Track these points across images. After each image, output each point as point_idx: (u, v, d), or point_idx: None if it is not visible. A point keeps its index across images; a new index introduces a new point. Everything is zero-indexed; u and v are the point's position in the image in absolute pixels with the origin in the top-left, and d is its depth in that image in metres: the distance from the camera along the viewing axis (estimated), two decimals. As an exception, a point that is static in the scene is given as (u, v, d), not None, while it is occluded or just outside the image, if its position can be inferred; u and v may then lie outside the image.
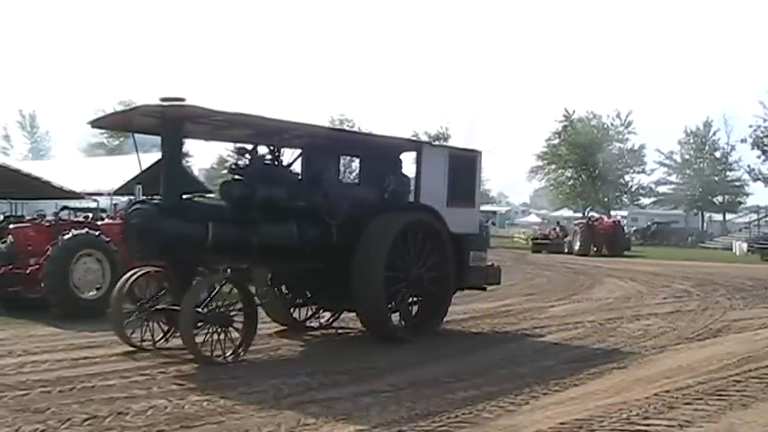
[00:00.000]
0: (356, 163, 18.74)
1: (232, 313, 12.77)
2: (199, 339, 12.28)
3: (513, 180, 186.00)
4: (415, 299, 15.60)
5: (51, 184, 26.64)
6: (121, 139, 70.34)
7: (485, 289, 17.89)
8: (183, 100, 12.25)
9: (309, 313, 16.60)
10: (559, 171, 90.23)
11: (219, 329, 12.46)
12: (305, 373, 11.81)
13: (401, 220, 14.86)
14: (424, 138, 70.96)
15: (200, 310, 12.38)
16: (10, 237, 18.41)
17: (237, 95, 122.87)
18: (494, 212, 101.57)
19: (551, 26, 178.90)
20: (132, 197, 21.84)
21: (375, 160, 16.63)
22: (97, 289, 16.78)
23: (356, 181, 18.34)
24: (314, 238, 14.37)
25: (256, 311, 13.07)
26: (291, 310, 16.27)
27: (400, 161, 16.61)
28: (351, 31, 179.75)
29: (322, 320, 16.69)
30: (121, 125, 14.91)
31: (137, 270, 13.60)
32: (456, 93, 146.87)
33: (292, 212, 14.22)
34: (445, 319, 17.45)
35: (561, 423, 9.27)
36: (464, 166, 16.66)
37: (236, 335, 12.72)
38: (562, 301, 23.25)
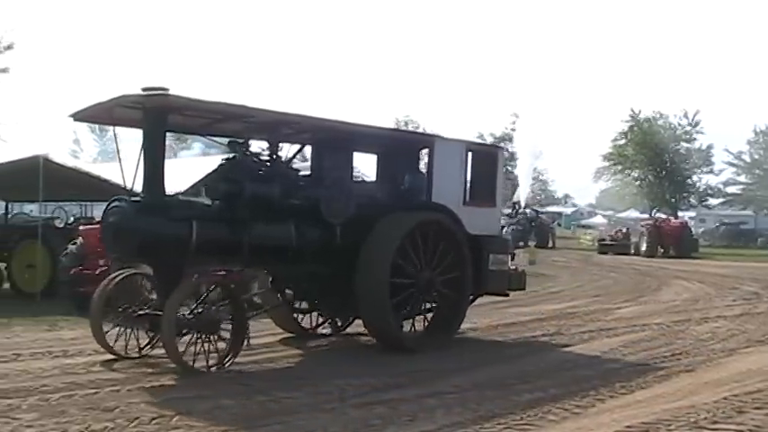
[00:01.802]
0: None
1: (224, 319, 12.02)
2: (189, 347, 11.65)
3: (578, 181, 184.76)
4: (429, 305, 14.70)
5: (120, 186, 27.01)
6: (188, 140, 70.97)
7: (507, 295, 16.68)
8: (166, 90, 11.52)
9: (321, 319, 15.79)
10: (626, 172, 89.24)
11: (205, 337, 11.66)
12: (369, 374, 11.82)
13: (410, 221, 13.89)
14: (490, 139, 70.56)
15: (184, 315, 11.64)
16: (80, 238, 18.75)
17: (304, 99, 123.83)
18: (559, 214, 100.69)
19: (618, 26, 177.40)
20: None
21: (392, 157, 15.77)
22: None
23: (372, 179, 17.04)
24: (314, 240, 13.49)
25: (246, 318, 12.16)
26: (297, 316, 15.51)
27: (418, 158, 15.96)
28: (418, 32, 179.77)
29: (331, 327, 15.77)
30: (102, 118, 13.75)
31: (119, 273, 12.96)
32: (522, 93, 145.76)
33: (289, 211, 13.27)
34: (510, 321, 17.42)
35: (627, 426, 9.18)
36: (484, 163, 15.71)
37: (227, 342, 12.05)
38: (629, 303, 23.02)
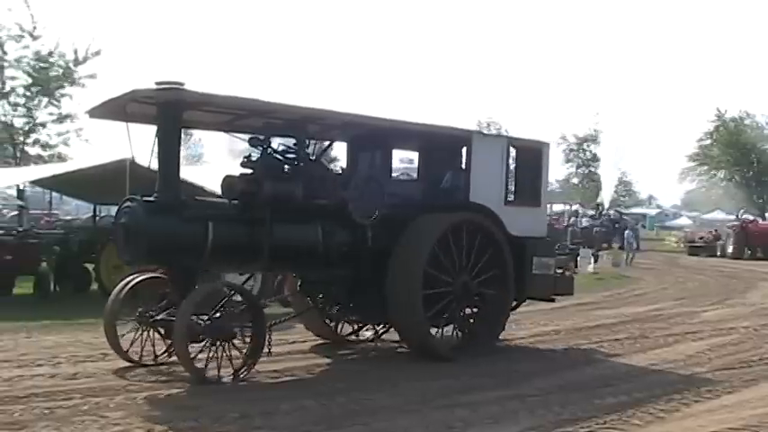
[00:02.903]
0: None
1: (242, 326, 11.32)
2: (203, 354, 10.99)
3: (663, 182, 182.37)
4: (467, 312, 13.90)
5: (204, 188, 27.37)
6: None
7: (552, 300, 15.73)
8: (181, 84, 10.96)
9: (354, 326, 14.92)
10: (712, 172, 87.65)
11: (220, 344, 10.93)
12: (450, 375, 11.81)
13: (443, 222, 13.07)
14: (573, 140, 69.92)
15: (200, 321, 10.93)
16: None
17: (387, 101, 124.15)
18: (644, 215, 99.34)
19: (705, 24, 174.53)
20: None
21: (433, 154, 15.03)
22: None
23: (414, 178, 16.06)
24: (343, 242, 12.76)
25: (264, 326, 11.48)
26: (330, 322, 14.61)
27: (461, 155, 14.55)
28: (503, 33, 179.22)
29: (368, 333, 14.87)
30: (115, 114, 12.90)
31: (135, 276, 12.32)
32: (606, 94, 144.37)
33: (315, 211, 12.49)
34: (593, 324, 17.21)
35: (713, 432, 9.06)
36: (527, 160, 14.71)
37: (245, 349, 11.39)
38: (714, 306, 22.63)
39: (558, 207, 67.67)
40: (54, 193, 30.60)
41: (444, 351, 13.09)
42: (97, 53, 32.47)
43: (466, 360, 13.01)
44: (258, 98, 11.95)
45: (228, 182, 12.09)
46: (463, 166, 14.35)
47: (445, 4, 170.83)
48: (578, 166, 72.15)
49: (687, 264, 45.23)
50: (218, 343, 10.89)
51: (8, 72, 31.28)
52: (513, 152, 14.51)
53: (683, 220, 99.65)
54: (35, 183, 25.69)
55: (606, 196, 65.40)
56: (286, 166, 12.56)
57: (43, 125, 31.64)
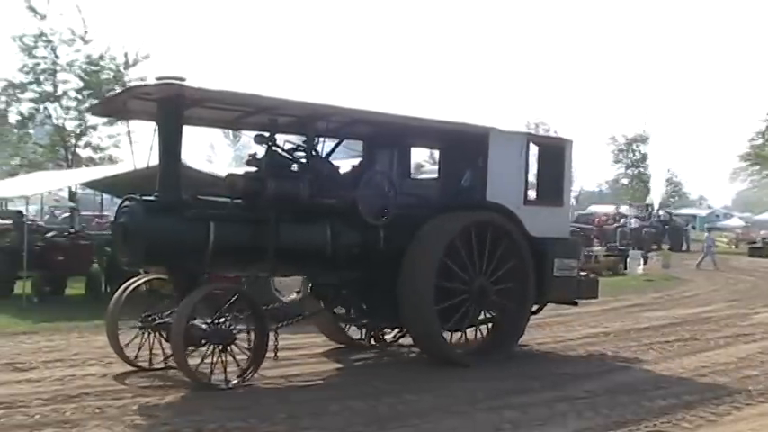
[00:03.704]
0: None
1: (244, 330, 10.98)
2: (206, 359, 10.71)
3: (714, 182, 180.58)
4: (486, 316, 13.40)
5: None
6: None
7: (575, 304, 14.94)
8: (182, 80, 10.68)
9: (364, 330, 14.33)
10: (764, 173, 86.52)
11: (220, 348, 10.63)
12: (498, 377, 11.78)
13: (456, 223, 12.57)
14: (622, 140, 69.35)
15: (200, 325, 10.65)
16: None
17: (439, 102, 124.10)
18: (693, 216, 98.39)
19: (757, 25, 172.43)
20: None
21: (454, 153, 14.50)
22: (297, 292, 17.15)
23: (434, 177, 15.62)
24: (353, 243, 12.32)
25: (267, 329, 11.13)
26: (344, 325, 14.24)
27: (483, 153, 13.45)
28: (553, 34, 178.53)
29: (386, 337, 14.43)
30: (118, 111, 12.48)
31: (137, 278, 12.09)
32: (657, 94, 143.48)
33: (324, 211, 12.04)
34: (643, 325, 17.06)
35: (766, 435, 8.96)
36: (549, 158, 14.06)
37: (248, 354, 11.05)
38: (767, 308, 22.31)
39: (607, 208, 67.21)
40: (105, 195, 30.88)
41: (459, 357, 12.69)
42: (147, 56, 32.78)
43: (514, 363, 12.97)
44: (258, 94, 11.63)
45: (230, 180, 11.82)
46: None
47: (499, 4, 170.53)
48: (627, 167, 71.63)
49: (738, 265, 44.63)
50: (219, 347, 10.62)
51: (60, 76, 31.63)
52: (534, 150, 13.99)
53: (734, 221, 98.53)
54: (86, 185, 25.98)
55: (656, 197, 64.80)
56: (293, 165, 12.18)
57: (94, 128, 31.94)
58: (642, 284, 28.73)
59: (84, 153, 32.90)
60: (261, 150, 11.96)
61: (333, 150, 13.25)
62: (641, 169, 70.41)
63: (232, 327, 10.77)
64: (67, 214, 36.02)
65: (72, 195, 31.50)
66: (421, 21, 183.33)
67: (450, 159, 14.85)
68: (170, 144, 11.00)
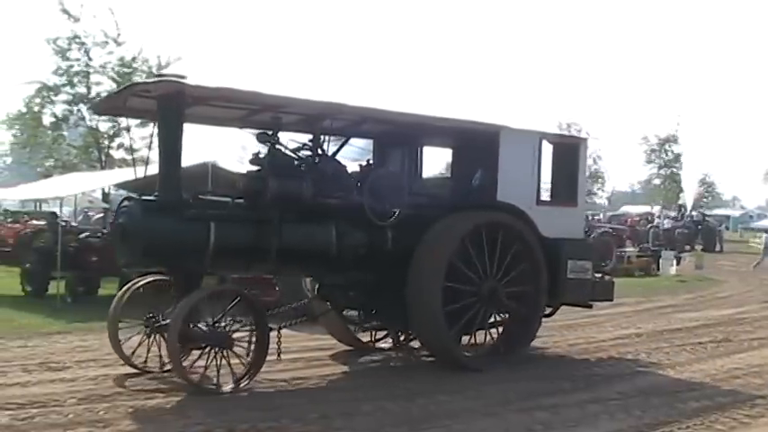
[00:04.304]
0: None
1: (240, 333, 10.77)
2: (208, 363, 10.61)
3: (747, 182, 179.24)
4: (497, 318, 13.16)
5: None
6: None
7: (590, 306, 14.60)
8: (183, 78, 10.50)
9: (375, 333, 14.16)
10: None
11: (218, 352, 10.45)
12: (530, 378, 11.77)
13: (468, 223, 12.32)
14: (654, 140, 68.84)
15: (200, 327, 10.53)
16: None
17: (475, 104, 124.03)
18: (727, 216, 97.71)
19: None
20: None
21: (465, 152, 14.24)
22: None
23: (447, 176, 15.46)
24: (359, 243, 12.02)
25: (268, 333, 10.87)
26: (353, 327, 13.95)
27: (495, 152, 13.09)
28: (585, 35, 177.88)
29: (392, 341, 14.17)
30: (119, 109, 12.28)
31: (139, 279, 11.95)
32: (689, 94, 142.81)
33: (329, 211, 11.76)
34: (676, 327, 16.95)
35: (800, 438, 8.89)
36: (562, 156, 13.79)
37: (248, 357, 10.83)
38: (802, 310, 22.10)
39: (640, 209, 66.82)
40: (138, 197, 31.02)
41: (468, 361, 12.44)
42: (179, 58, 32.89)
43: (545, 364, 12.96)
44: (259, 91, 11.28)
45: (231, 179, 11.44)
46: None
47: (533, 3, 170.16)
48: (660, 167, 71.12)
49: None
50: (216, 350, 10.45)
51: (93, 78, 31.76)
52: (549, 148, 13.70)
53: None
54: (120, 186, 26.08)
55: (689, 197, 64.25)
56: (296, 163, 11.87)
57: (127, 129, 32.02)
58: (675, 285, 28.57)
59: (118, 154, 33.05)
60: (264, 149, 11.71)
61: (339, 149, 12.99)
62: (674, 169, 69.83)
63: (230, 329, 10.61)
64: (101, 215, 36.21)
65: (105, 196, 31.61)
66: (452, 19, 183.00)
67: (461, 158, 14.65)
68: (170, 142, 10.83)
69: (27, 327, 15.45)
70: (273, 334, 11.14)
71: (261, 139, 11.59)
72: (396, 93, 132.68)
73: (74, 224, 29.18)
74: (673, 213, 56.19)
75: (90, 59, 31.56)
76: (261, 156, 11.62)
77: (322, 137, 12.22)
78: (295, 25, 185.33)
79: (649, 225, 49.41)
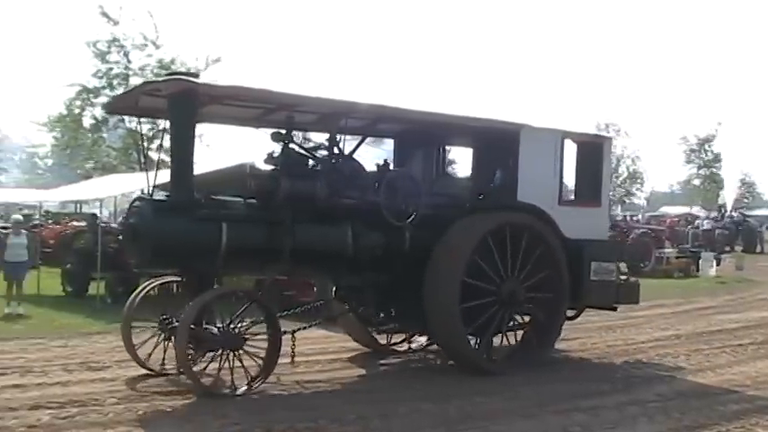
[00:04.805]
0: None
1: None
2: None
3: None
4: (517, 321, 12.88)
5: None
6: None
7: (614, 309, 14.27)
8: (195, 77, 10.38)
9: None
10: None
11: (228, 355, 10.28)
12: (568, 380, 11.73)
13: (486, 224, 12.05)
14: (693, 140, 68.25)
15: (210, 330, 10.34)
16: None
17: (516, 104, 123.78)
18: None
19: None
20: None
21: (486, 151, 13.99)
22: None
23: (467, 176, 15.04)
24: (377, 245, 11.79)
25: (280, 336, 10.69)
26: (372, 330, 13.62)
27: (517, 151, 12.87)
28: (623, 35, 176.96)
29: (413, 344, 13.95)
30: (131, 108, 12.14)
31: (153, 281, 11.85)
32: (728, 93, 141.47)
33: (344, 211, 11.55)
34: (715, 328, 16.79)
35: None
36: (585, 156, 13.52)
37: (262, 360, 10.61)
38: None
39: (679, 209, 66.28)
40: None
41: (487, 364, 12.22)
42: (217, 60, 33.04)
43: (583, 365, 12.90)
44: (269, 89, 11.07)
45: (242, 179, 11.40)
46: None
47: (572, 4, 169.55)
48: (699, 167, 70.49)
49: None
50: (227, 353, 10.28)
51: (133, 80, 31.96)
52: (573, 148, 13.45)
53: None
54: (159, 187, 26.35)
55: (729, 198, 63.62)
56: (312, 163, 11.72)
57: (166, 130, 32.35)
58: (715, 287, 28.29)
59: (157, 156, 33.36)
60: (279, 148, 11.56)
61: (356, 148, 12.74)
62: (714, 169, 69.19)
63: (241, 331, 10.45)
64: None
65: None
66: (491, 20, 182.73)
67: (482, 158, 14.39)
68: (181, 142, 10.80)
69: (67, 327, 15.62)
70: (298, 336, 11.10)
71: (275, 138, 11.45)
72: (432, 93, 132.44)
73: (113, 225, 29.43)
74: (713, 214, 55.58)
75: (129, 62, 31.82)
76: (275, 155, 11.50)
77: (338, 136, 12.07)
78: (334, 26, 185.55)
79: (690, 226, 48.99)
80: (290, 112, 11.84)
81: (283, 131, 11.47)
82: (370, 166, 12.26)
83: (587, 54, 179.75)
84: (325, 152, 11.88)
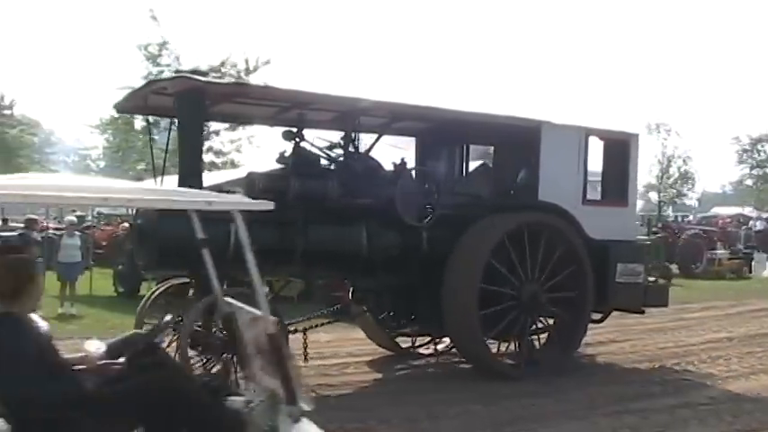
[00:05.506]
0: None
1: None
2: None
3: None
4: (541, 324, 12.56)
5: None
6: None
7: (642, 312, 13.74)
8: (204, 75, 9.92)
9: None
10: None
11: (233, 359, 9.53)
12: (619, 382, 11.67)
13: (506, 224, 11.75)
14: (746, 140, 67.43)
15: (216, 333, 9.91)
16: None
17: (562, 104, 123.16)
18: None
19: None
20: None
21: (509, 149, 13.77)
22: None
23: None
24: (392, 245, 11.54)
25: (286, 335, 10.30)
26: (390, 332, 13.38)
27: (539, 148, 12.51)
28: (676, 34, 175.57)
29: (435, 347, 13.63)
30: (141, 107, 12.03)
31: (165, 282, 11.66)
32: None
33: (359, 211, 11.31)
34: (757, 331, 16.58)
35: None
36: (611, 153, 13.20)
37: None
38: None
39: (731, 210, 65.52)
40: (226, 199, 31.36)
41: (507, 368, 11.97)
42: (267, 62, 33.24)
43: (633, 367, 12.82)
44: (275, 86, 10.92)
45: (250, 179, 11.12)
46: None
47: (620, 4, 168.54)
48: (752, 168, 69.52)
49: None
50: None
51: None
52: (600, 145, 13.15)
53: None
54: (209, 188, 26.52)
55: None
56: (325, 162, 11.55)
57: (216, 133, 32.48)
58: (768, 288, 27.98)
59: (207, 158, 33.55)
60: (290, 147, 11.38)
61: (372, 147, 12.61)
62: (766, 170, 68.21)
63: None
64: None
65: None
66: (545, 21, 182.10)
67: (503, 156, 14.19)
68: (188, 140, 10.57)
69: (120, 327, 15.68)
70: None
71: (285, 136, 11.27)
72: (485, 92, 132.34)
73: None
74: (766, 215, 54.82)
75: (180, 64, 32.12)
76: (286, 154, 11.34)
77: (353, 134, 11.91)
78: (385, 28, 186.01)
79: (742, 227, 48.39)
80: (301, 110, 11.55)
81: (294, 130, 11.30)
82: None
83: (639, 53, 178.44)
84: (340, 151, 11.69)
